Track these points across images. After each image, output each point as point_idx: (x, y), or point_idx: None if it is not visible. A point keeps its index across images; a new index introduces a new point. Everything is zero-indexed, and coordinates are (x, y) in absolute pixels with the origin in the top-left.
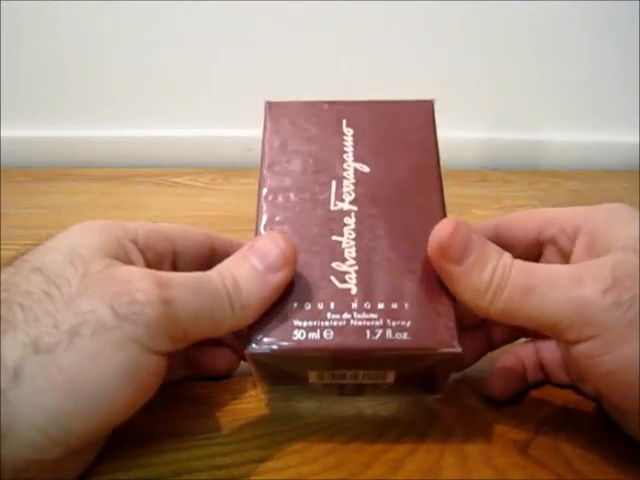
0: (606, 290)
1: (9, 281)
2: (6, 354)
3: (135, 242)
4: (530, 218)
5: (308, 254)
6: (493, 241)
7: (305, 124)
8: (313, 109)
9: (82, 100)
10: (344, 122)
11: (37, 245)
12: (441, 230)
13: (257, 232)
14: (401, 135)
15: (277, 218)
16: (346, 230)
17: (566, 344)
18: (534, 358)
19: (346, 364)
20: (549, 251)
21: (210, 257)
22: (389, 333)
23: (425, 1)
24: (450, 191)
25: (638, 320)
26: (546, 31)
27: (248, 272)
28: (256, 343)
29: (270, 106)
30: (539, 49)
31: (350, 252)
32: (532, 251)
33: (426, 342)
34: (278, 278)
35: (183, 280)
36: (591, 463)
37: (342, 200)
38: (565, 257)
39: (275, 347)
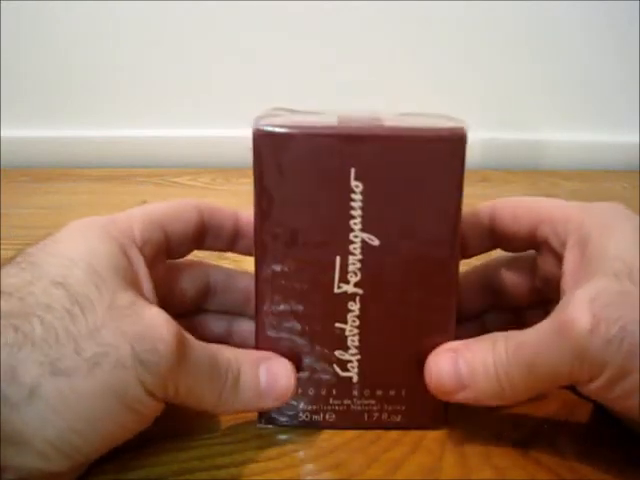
0: (591, 330)
1: (24, 289)
2: (22, 369)
3: (133, 240)
4: (527, 213)
5: (312, 340)
6: (490, 232)
7: (307, 174)
8: (317, 148)
9: (82, 100)
10: (352, 173)
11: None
12: (429, 377)
13: (257, 313)
14: (419, 190)
15: (278, 299)
16: (350, 317)
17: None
18: None
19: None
20: (544, 250)
21: (201, 232)
22: (385, 416)
23: (425, 2)
24: None
25: (636, 349)
26: (546, 31)
27: (251, 379)
28: (265, 422)
29: (261, 143)
30: (539, 49)
31: (353, 340)
32: (530, 246)
33: (416, 423)
34: (269, 404)
35: (200, 350)
36: (591, 463)
37: (347, 282)
38: (558, 259)
39: (282, 425)
